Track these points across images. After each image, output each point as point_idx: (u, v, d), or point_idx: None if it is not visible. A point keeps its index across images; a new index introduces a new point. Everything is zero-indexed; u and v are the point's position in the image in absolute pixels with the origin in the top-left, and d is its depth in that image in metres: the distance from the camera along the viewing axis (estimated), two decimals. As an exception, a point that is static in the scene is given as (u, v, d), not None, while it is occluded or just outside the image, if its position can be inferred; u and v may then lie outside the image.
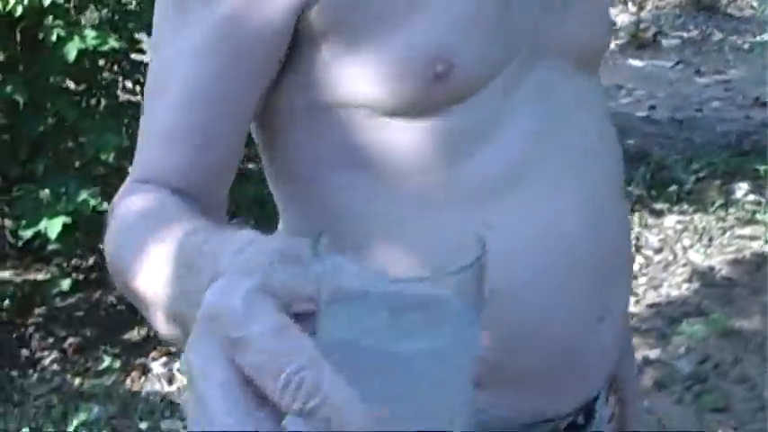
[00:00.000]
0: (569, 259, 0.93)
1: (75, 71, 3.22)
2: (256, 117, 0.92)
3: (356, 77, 0.88)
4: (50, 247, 3.45)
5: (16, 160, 3.36)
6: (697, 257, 4.04)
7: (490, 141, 0.91)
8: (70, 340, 3.42)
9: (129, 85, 3.83)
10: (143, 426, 2.98)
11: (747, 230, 4.30)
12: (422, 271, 0.50)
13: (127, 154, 3.46)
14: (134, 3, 3.57)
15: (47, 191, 3.07)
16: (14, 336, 3.44)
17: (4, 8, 2.89)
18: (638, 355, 3.09)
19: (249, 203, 3.34)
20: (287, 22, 0.86)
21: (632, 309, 3.48)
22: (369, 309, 0.48)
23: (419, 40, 0.87)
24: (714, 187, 4.73)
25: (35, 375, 3.22)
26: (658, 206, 4.53)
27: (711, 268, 3.95)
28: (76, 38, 2.80)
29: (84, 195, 2.92)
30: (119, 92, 3.68)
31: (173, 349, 3.39)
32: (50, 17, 2.93)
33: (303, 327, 0.46)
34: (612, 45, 7.20)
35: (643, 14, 8.93)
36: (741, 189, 4.69)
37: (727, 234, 4.28)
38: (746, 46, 8.24)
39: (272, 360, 0.44)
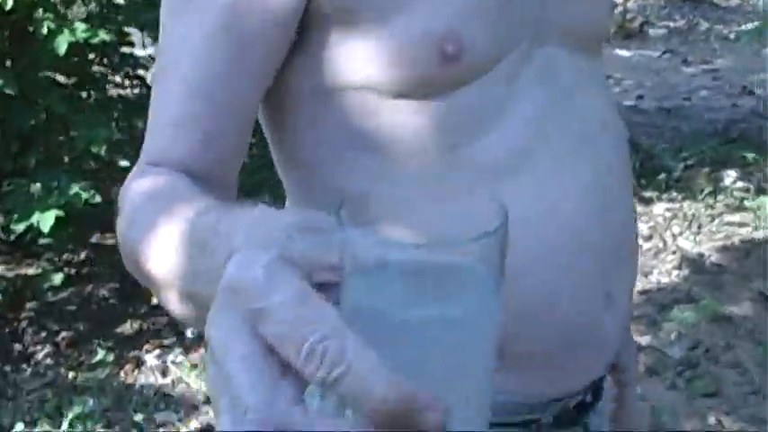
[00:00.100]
0: (574, 242, 0.93)
1: (64, 65, 3.22)
2: (265, 100, 0.92)
3: (365, 60, 0.88)
4: (42, 241, 3.45)
5: (8, 154, 3.36)
6: (686, 244, 4.06)
7: (495, 124, 0.91)
8: (63, 334, 3.42)
9: (118, 79, 3.83)
10: (137, 418, 2.98)
11: (736, 217, 4.33)
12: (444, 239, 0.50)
13: (118, 147, 3.47)
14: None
15: (38, 185, 3.06)
16: (7, 330, 3.44)
17: (-6, 2, 2.89)
18: (630, 342, 3.10)
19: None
20: (298, 3, 0.86)
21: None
22: (391, 277, 0.47)
23: (429, 22, 0.87)
24: (703, 175, 4.75)
25: (28, 370, 3.22)
26: (647, 194, 4.55)
27: (701, 255, 3.97)
28: (66, 31, 2.79)
29: (75, 189, 2.92)
30: (108, 86, 3.67)
31: (166, 342, 3.39)
32: (40, 10, 2.92)
33: (325, 297, 0.46)
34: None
35: (629, 4, 8.95)
36: (729, 176, 4.71)
37: (716, 221, 4.30)
38: (733, 35, 8.27)
39: (296, 329, 0.44)
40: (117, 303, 3.66)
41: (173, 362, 3.29)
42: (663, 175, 4.68)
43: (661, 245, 4.07)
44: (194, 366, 3.25)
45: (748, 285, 3.71)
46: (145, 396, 3.11)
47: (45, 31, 2.93)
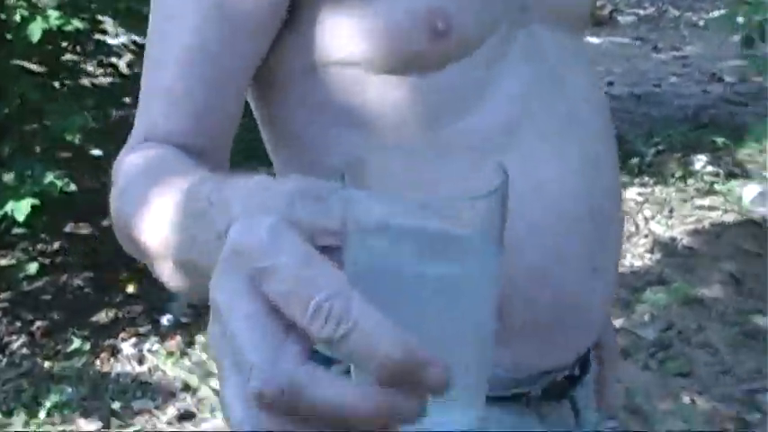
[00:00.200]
0: (562, 218, 0.95)
1: (38, 53, 3.20)
2: (255, 78, 0.92)
3: (354, 36, 0.88)
4: (16, 231, 3.43)
5: (-18, 144, 3.34)
6: (658, 228, 4.09)
7: (482, 102, 0.92)
8: (38, 324, 3.40)
9: (90, 68, 3.81)
10: (115, 406, 2.98)
11: (707, 201, 4.36)
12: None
13: (92, 136, 3.45)
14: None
15: (12, 174, 3.05)
16: (-19, 321, 3.42)
17: (-35, -10, 2.87)
18: (604, 324, 3.13)
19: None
20: None
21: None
22: (392, 239, 0.48)
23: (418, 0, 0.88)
24: (674, 160, 4.78)
25: (4, 360, 3.20)
26: (620, 179, 4.58)
27: (673, 238, 4.00)
28: (39, 18, 2.77)
29: (50, 177, 2.90)
30: (81, 75, 3.65)
31: (141, 330, 3.39)
32: (12, -3, 2.91)
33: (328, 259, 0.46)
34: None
35: (600, -8, 9.00)
36: (700, 161, 4.74)
37: (688, 205, 4.34)
38: (702, 23, 8.33)
39: (301, 288, 0.44)
40: (92, 292, 3.65)
41: (149, 350, 3.29)
42: (635, 160, 4.71)
43: (633, 229, 4.10)
44: (170, 354, 3.25)
45: (719, 268, 3.75)
46: (122, 384, 3.11)
47: (18, 18, 2.91)
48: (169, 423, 2.92)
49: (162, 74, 0.88)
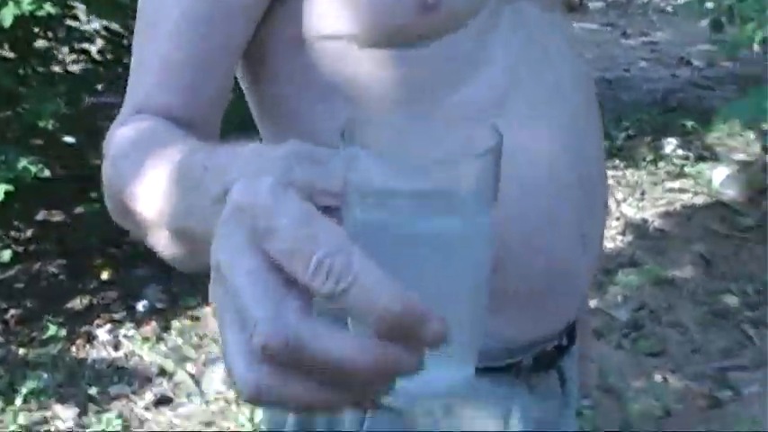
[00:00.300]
0: (551, 187, 0.96)
1: (10, 38, 3.17)
2: (244, 54, 0.93)
3: (342, 10, 0.89)
4: (-12, 218, 3.41)
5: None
6: (630, 210, 4.13)
7: (477, 72, 0.93)
8: (12, 312, 3.39)
9: (60, 56, 3.78)
10: (92, 392, 2.98)
11: (677, 184, 4.41)
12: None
13: (65, 123, 3.43)
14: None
15: (-16, 160, 3.02)
16: (-45, 309, 3.41)
17: (-65, -26, 2.83)
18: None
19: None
20: None
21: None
22: (391, 198, 0.49)
23: None
24: (644, 143, 4.82)
25: (-22, 348, 3.20)
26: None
27: (644, 220, 4.04)
28: (11, 3, 2.75)
29: (24, 163, 2.88)
30: (53, 61, 3.63)
31: (116, 316, 3.38)
32: (-16, -18, 2.88)
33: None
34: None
35: (569, -22, 9.02)
36: (670, 144, 4.79)
37: (658, 187, 4.38)
38: (670, 8, 8.38)
39: (303, 245, 0.45)
40: (66, 279, 3.63)
41: (124, 336, 3.29)
42: (605, 144, 4.73)
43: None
44: (146, 340, 3.25)
45: (689, 249, 3.79)
46: (98, 370, 3.11)
47: (-11, 2, 2.89)
48: (146, 408, 2.93)
49: (153, 48, 0.88)
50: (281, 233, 0.45)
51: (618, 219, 4.06)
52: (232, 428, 2.80)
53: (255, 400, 0.45)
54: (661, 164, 4.61)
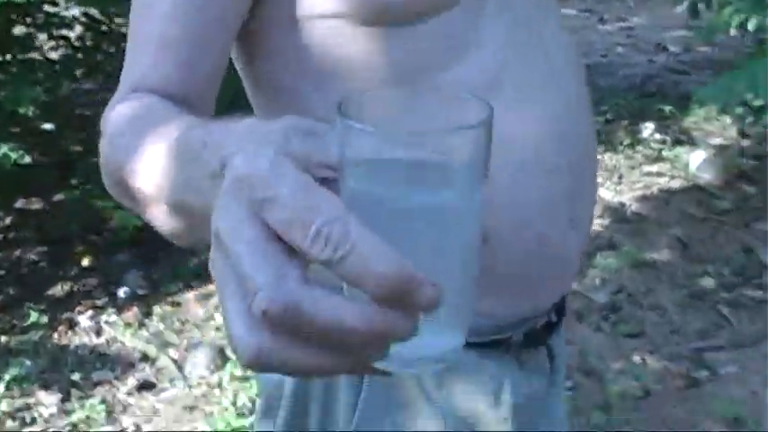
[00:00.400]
0: (542, 168, 0.98)
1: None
2: (239, 35, 0.93)
3: None
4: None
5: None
6: (608, 194, 4.15)
7: (467, 52, 0.94)
8: (-7, 299, 3.39)
9: (37, 44, 3.77)
10: (75, 378, 2.98)
11: (655, 167, 4.44)
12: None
13: (44, 110, 3.43)
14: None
15: (-36, 147, 3.02)
16: (-65, 297, 3.40)
17: None
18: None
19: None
20: None
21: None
22: (385, 169, 0.51)
23: None
24: (622, 128, 4.85)
25: (-40, 336, 3.19)
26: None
27: (622, 204, 4.07)
28: (-11, -11, 2.75)
29: (4, 149, 2.88)
30: (32, 48, 3.61)
31: (98, 303, 3.39)
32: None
33: None
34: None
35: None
36: (647, 129, 4.82)
37: (636, 171, 4.41)
38: (647, -6, 8.41)
39: (301, 214, 0.46)
40: (46, 267, 3.63)
41: (106, 322, 3.29)
42: (584, 129, 4.75)
43: (583, 196, 4.15)
44: (128, 325, 3.25)
45: (667, 232, 3.83)
46: (80, 356, 3.11)
47: (-33, -11, 2.88)
48: (129, 393, 2.94)
49: (149, 27, 0.89)
50: (280, 203, 0.47)
51: (596, 202, 4.07)
52: (215, 412, 2.81)
53: (255, 364, 0.47)
54: (638, 148, 4.64)
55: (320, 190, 0.48)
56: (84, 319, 3.30)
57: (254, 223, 0.47)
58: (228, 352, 3.06)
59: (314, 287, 0.46)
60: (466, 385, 1.04)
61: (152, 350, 3.14)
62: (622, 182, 4.28)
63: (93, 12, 3.63)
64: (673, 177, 4.32)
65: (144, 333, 3.24)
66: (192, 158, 0.62)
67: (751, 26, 3.42)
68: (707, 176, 4.28)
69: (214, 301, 3.41)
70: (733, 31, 3.60)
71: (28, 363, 3.01)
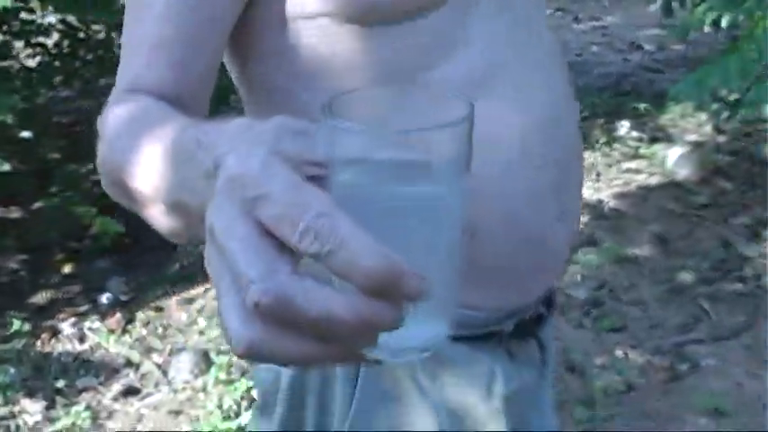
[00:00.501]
0: (532, 163, 0.99)
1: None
2: (232, 34, 0.94)
3: None
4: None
5: None
6: (587, 192, 4.17)
7: (450, 52, 0.96)
8: (-26, 308, 3.38)
9: (16, 50, 3.76)
10: (59, 385, 2.98)
11: (632, 164, 4.48)
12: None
13: (22, 118, 3.41)
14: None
15: (-58, 156, 3.01)
16: None
17: None
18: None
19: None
20: None
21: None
22: (372, 166, 0.53)
23: None
24: (598, 126, 4.89)
25: (-59, 345, 3.17)
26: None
27: (601, 201, 4.10)
28: (-34, -3, 2.73)
29: (-17, 157, 2.88)
30: (9, 56, 3.60)
31: (80, 310, 3.38)
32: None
33: None
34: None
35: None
36: (623, 126, 4.86)
37: (614, 169, 4.45)
38: (620, -7, 8.47)
39: (291, 210, 0.48)
40: (27, 275, 3.62)
41: (89, 328, 3.29)
42: (560, 128, 4.78)
43: (562, 194, 4.18)
44: (111, 332, 3.25)
45: (646, 228, 3.86)
46: (64, 363, 3.10)
47: (-57, -3, 2.86)
48: (114, 399, 2.93)
49: (143, 28, 0.90)
50: (271, 200, 0.49)
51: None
52: (200, 416, 2.81)
53: (249, 354, 0.48)
54: (615, 146, 4.68)
55: (309, 187, 0.49)
56: (66, 327, 3.29)
57: (246, 221, 0.49)
58: (212, 355, 3.07)
59: (305, 280, 0.48)
60: (458, 378, 1.06)
61: (136, 356, 3.14)
62: (600, 179, 4.31)
63: (71, 19, 3.63)
64: (650, 174, 4.36)
65: (127, 339, 3.23)
66: (186, 159, 0.63)
67: (724, 23, 3.45)
68: (684, 172, 4.32)
69: (196, 305, 3.42)
70: (707, 29, 3.63)
71: (12, 371, 3.00)
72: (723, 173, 4.33)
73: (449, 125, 0.53)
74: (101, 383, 3.01)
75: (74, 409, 2.86)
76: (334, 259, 0.47)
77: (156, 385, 2.99)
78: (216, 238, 0.50)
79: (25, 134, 3.72)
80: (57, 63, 3.65)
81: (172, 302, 3.44)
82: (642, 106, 5.08)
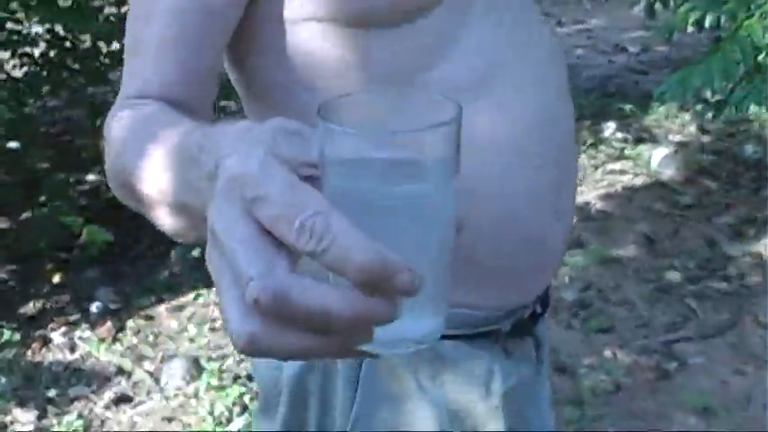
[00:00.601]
0: (529, 163, 1.01)
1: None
2: (232, 41, 0.96)
3: None
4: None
5: None
6: (573, 194, 4.19)
7: (447, 53, 0.97)
8: (-36, 319, 3.38)
9: (1, 60, 3.76)
10: (51, 394, 2.98)
11: (618, 166, 4.50)
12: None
13: (9, 128, 3.42)
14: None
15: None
16: None
17: None
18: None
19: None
20: None
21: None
22: (364, 167, 0.55)
23: None
24: (584, 128, 4.90)
25: (-68, 356, 3.17)
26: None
27: (587, 203, 4.12)
28: (-47, 8, 2.74)
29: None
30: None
31: (71, 319, 3.38)
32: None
33: None
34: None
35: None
36: (609, 128, 4.88)
37: (600, 170, 4.46)
38: (603, -4, 8.50)
39: (288, 210, 0.50)
40: (17, 285, 3.63)
41: (80, 337, 3.29)
42: (546, 131, 4.80)
43: (549, 196, 4.19)
44: (102, 340, 3.26)
45: (632, 228, 3.89)
46: (55, 372, 3.11)
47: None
48: (106, 407, 2.94)
49: (146, 32, 0.91)
50: (269, 201, 0.51)
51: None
52: (193, 423, 2.82)
53: (249, 349, 0.51)
54: (601, 147, 4.70)
55: (305, 188, 0.52)
56: (57, 336, 3.30)
57: (246, 222, 0.52)
58: (203, 362, 3.08)
59: (301, 276, 0.50)
60: (459, 377, 1.07)
61: (127, 364, 3.15)
62: (586, 181, 4.33)
63: (58, 28, 3.63)
64: (636, 175, 4.39)
65: (118, 347, 3.24)
66: (190, 161, 0.65)
67: (707, 23, 3.48)
68: (669, 173, 4.35)
69: (186, 312, 3.43)
70: (690, 29, 3.66)
71: (3, 380, 3.01)
72: (707, 173, 4.37)
73: (437, 126, 0.55)
74: (93, 392, 3.02)
75: (66, 418, 2.86)
76: (327, 256, 0.49)
77: (148, 393, 3.00)
78: (217, 238, 0.53)
79: (13, 144, 3.72)
80: (44, 73, 3.66)
81: (162, 310, 3.45)
82: (627, 107, 5.11)
